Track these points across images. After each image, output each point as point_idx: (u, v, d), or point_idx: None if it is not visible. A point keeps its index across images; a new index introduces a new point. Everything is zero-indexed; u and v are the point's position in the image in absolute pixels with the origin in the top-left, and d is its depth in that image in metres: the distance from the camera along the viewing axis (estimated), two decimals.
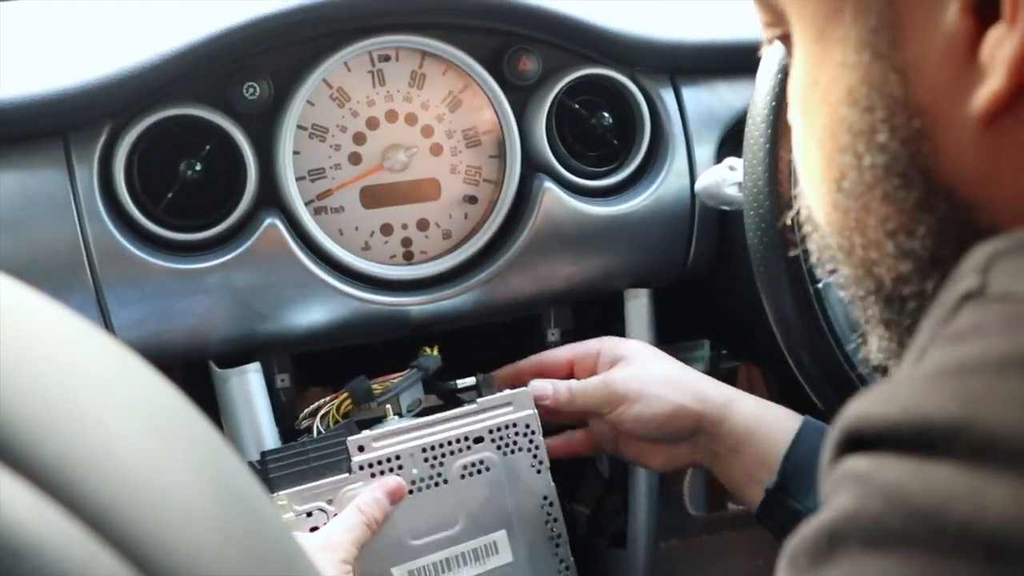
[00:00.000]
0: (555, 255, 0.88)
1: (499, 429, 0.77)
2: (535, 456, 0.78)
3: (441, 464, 0.76)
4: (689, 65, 0.92)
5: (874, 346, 0.41)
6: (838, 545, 0.28)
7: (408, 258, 0.88)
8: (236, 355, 0.83)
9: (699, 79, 0.93)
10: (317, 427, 0.80)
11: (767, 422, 0.76)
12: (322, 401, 0.81)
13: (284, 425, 0.85)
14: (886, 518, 0.27)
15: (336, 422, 0.80)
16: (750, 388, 1.31)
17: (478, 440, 0.77)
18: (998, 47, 0.31)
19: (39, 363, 0.28)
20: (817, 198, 0.39)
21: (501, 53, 0.86)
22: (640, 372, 0.79)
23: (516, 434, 0.78)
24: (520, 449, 0.78)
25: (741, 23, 0.92)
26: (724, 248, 0.93)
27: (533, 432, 0.78)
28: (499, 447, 0.77)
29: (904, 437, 0.27)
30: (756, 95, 0.70)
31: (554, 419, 0.84)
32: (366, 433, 0.76)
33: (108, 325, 0.77)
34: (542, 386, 0.81)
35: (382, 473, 0.74)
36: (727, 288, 0.97)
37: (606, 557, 0.97)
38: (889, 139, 0.34)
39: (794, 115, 0.40)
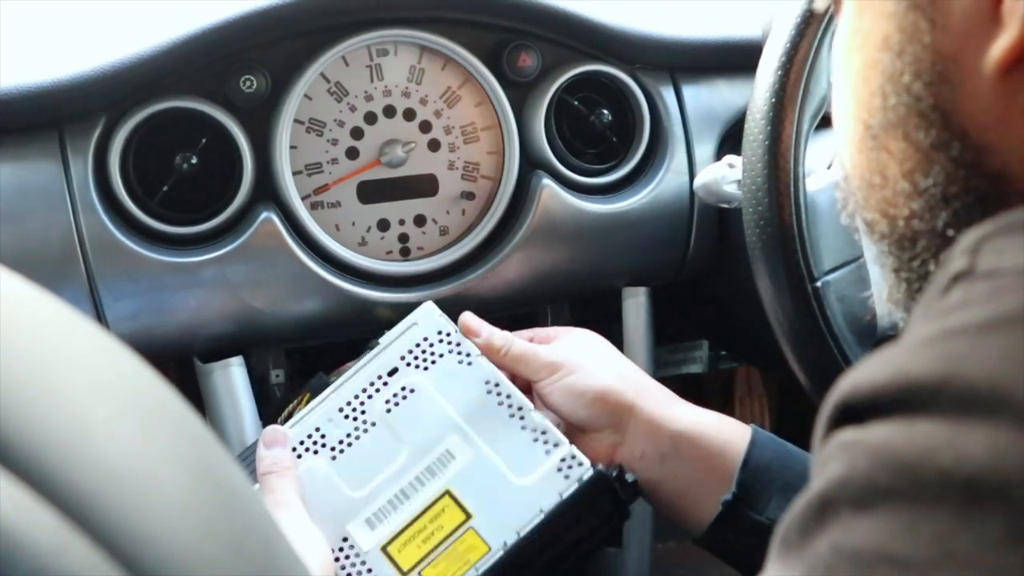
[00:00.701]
0: (553, 252, 0.87)
1: (411, 351, 0.71)
2: (460, 353, 0.71)
3: (363, 413, 0.69)
4: (689, 63, 0.92)
5: (887, 296, 0.43)
6: (829, 512, 0.29)
7: (405, 254, 0.87)
8: (230, 349, 0.83)
9: (699, 77, 0.92)
10: None
11: (716, 427, 0.69)
12: (290, 407, 0.80)
13: (278, 420, 0.84)
14: (873, 476, 0.28)
15: None
16: (749, 390, 1.31)
17: (392, 372, 0.70)
18: (1017, 1, 0.33)
19: (16, 347, 0.28)
20: (846, 143, 0.42)
21: (500, 49, 0.86)
22: (585, 349, 0.73)
23: (431, 345, 0.71)
24: (440, 355, 0.70)
25: (742, 21, 0.91)
26: (723, 247, 0.93)
27: (449, 335, 0.71)
28: (417, 366, 0.70)
29: (891, 399, 0.29)
30: (756, 92, 0.69)
31: None
32: (284, 427, 0.71)
33: (102, 318, 0.77)
34: (475, 321, 0.73)
35: (309, 450, 0.68)
36: (726, 288, 0.96)
37: (601, 557, 0.97)
38: (913, 81, 0.37)
39: (836, 64, 0.43)
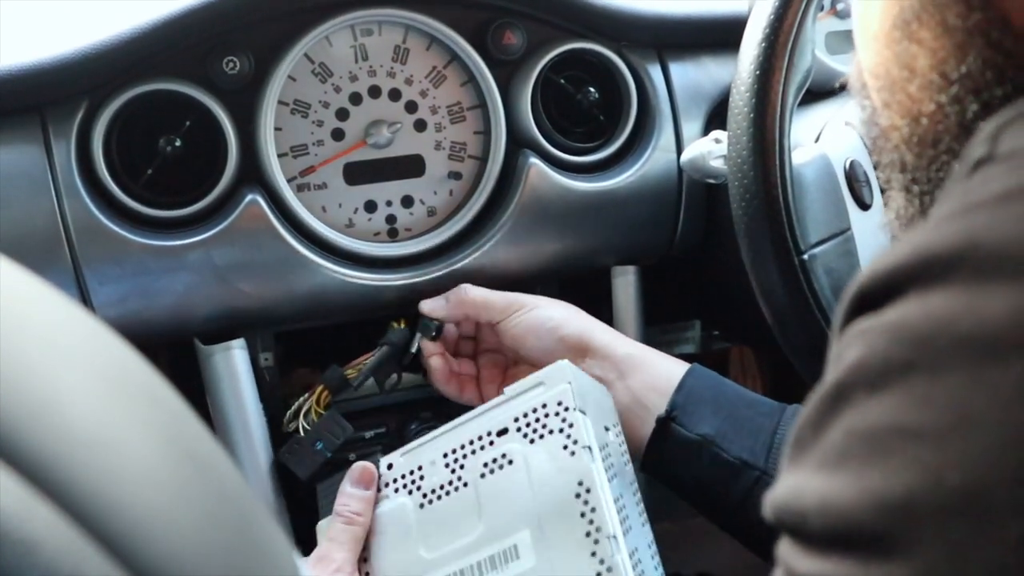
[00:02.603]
0: (541, 232, 0.87)
1: (526, 415, 0.64)
2: (568, 436, 0.62)
3: (462, 467, 0.65)
4: (676, 39, 0.91)
5: (894, 215, 0.43)
6: (843, 400, 0.28)
7: (393, 235, 0.87)
8: (219, 333, 0.82)
9: (686, 54, 0.92)
10: (303, 426, 0.80)
11: (660, 359, 0.75)
12: (301, 400, 0.81)
13: (268, 404, 0.84)
14: (889, 354, 0.27)
15: (319, 415, 0.81)
16: (742, 369, 1.30)
17: (502, 432, 0.65)
18: None
19: None
20: (869, 39, 0.41)
21: (485, 27, 0.85)
22: (544, 299, 0.80)
23: (546, 415, 0.63)
24: (550, 431, 0.63)
25: None
26: (713, 225, 0.92)
27: (566, 409, 0.63)
28: (525, 435, 0.64)
29: (909, 276, 0.28)
30: (740, 65, 0.69)
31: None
32: (397, 451, 0.70)
33: (88, 303, 0.77)
34: (438, 300, 0.81)
35: (405, 488, 0.67)
36: (716, 266, 0.96)
37: None
38: None
39: None
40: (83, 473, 0.26)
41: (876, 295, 0.30)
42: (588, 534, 0.59)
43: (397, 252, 0.85)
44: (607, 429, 0.67)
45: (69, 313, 0.32)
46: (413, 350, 0.83)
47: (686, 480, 0.70)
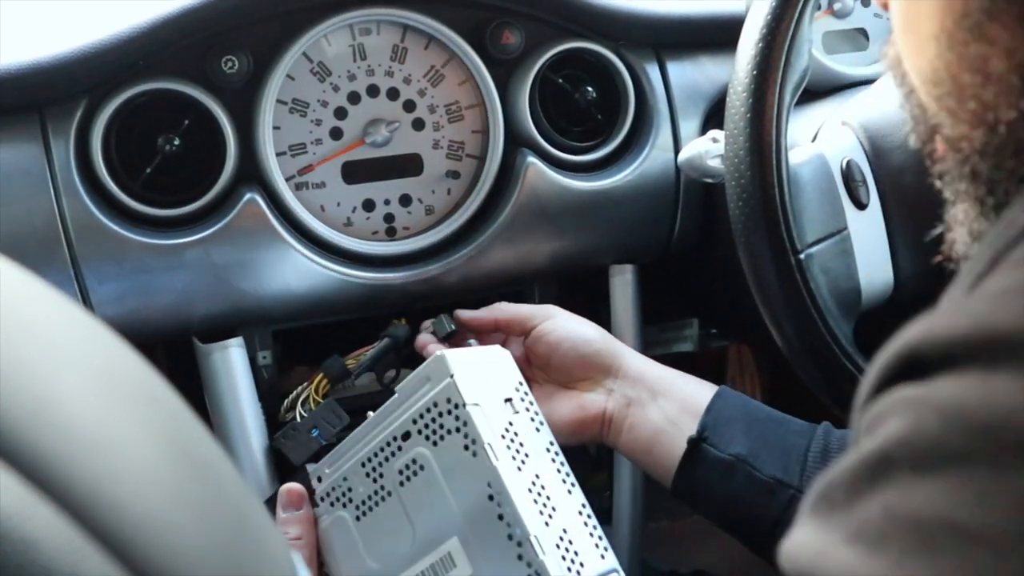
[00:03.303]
0: (539, 230, 0.87)
1: (422, 416, 0.61)
2: (466, 437, 0.59)
3: (381, 476, 0.63)
4: (674, 39, 0.91)
5: (961, 234, 0.38)
6: (884, 472, 0.26)
7: (391, 234, 0.87)
8: (218, 331, 0.82)
9: (684, 53, 0.92)
10: (300, 413, 0.80)
11: (687, 382, 0.74)
12: (300, 388, 0.81)
13: (266, 402, 0.84)
14: (944, 437, 0.25)
15: (317, 404, 0.81)
16: (740, 368, 1.30)
17: (406, 436, 0.62)
18: None
19: None
20: (923, 46, 0.36)
21: (483, 27, 0.85)
22: (568, 315, 0.78)
23: (439, 415, 0.60)
24: (448, 431, 0.60)
25: None
26: (710, 224, 0.92)
27: (456, 406, 0.60)
28: (427, 437, 0.61)
29: (967, 352, 0.26)
30: (737, 65, 0.69)
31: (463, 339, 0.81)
32: (322, 462, 0.68)
33: (86, 301, 0.77)
34: (425, 340, 0.80)
35: (339, 501, 0.66)
36: (714, 265, 0.96)
37: None
38: None
39: None
40: (83, 472, 0.26)
41: (926, 362, 0.27)
42: (510, 536, 0.57)
43: (395, 251, 0.85)
44: (508, 400, 0.63)
45: (68, 312, 0.32)
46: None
47: (719, 501, 0.68)
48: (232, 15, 0.79)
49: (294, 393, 0.82)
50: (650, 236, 0.92)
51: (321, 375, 0.81)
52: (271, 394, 0.85)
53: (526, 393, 0.65)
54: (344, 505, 0.65)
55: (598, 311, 0.96)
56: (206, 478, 0.31)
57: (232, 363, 0.82)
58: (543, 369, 0.76)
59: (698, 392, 0.72)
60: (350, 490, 0.65)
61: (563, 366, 0.75)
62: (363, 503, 0.64)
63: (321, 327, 0.90)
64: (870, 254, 0.72)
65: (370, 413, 0.66)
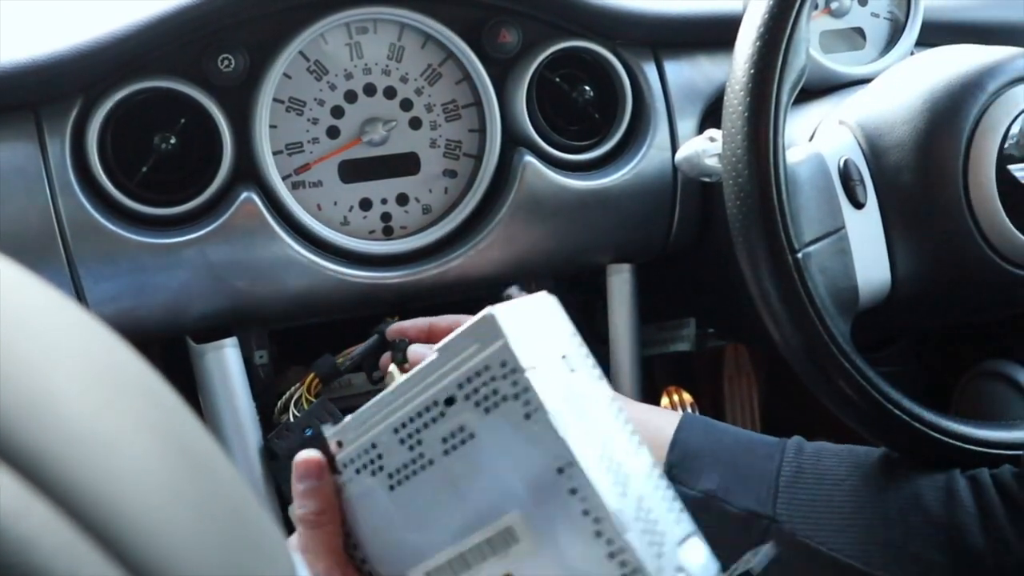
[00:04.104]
0: (536, 229, 0.87)
1: (470, 380, 0.54)
2: (525, 403, 0.52)
3: (419, 443, 0.57)
4: (671, 38, 0.91)
5: None
6: None
7: (388, 233, 0.87)
8: (214, 331, 0.82)
9: (681, 53, 0.92)
10: (293, 413, 0.80)
11: (647, 417, 0.71)
12: (292, 389, 0.81)
13: (262, 402, 0.84)
14: None
15: (309, 403, 0.81)
16: (737, 367, 1.30)
17: (450, 402, 0.55)
18: None
19: None
20: None
21: (480, 25, 0.85)
22: None
23: (492, 379, 0.53)
24: (503, 398, 0.53)
25: None
26: (708, 223, 0.93)
27: (514, 371, 0.52)
28: (477, 403, 0.54)
29: None
30: (735, 64, 0.69)
31: None
32: (343, 425, 0.60)
33: (82, 300, 0.77)
34: (420, 351, 0.75)
35: (366, 468, 0.58)
36: (711, 264, 0.96)
37: None
38: None
39: None
40: (79, 470, 0.26)
41: None
42: (585, 512, 0.51)
43: (392, 250, 0.85)
44: (564, 357, 0.55)
45: (64, 309, 0.32)
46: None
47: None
48: (228, 13, 0.79)
49: (287, 394, 0.82)
50: (647, 235, 0.92)
51: (312, 375, 0.81)
52: (267, 394, 0.85)
53: (580, 344, 0.56)
54: (373, 473, 0.58)
55: (595, 310, 0.96)
56: (204, 476, 0.31)
57: (227, 363, 0.82)
58: None
59: (660, 427, 0.70)
60: (380, 457, 0.58)
61: None
62: (397, 471, 0.57)
63: (318, 327, 0.90)
64: (867, 253, 0.72)
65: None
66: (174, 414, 0.32)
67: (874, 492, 0.65)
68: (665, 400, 1.30)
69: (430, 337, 0.79)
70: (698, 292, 1.06)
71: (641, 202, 0.89)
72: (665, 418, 0.71)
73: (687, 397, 1.29)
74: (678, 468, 0.68)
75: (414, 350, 0.77)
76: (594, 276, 0.95)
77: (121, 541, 0.25)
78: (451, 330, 0.72)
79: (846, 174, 0.72)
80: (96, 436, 0.27)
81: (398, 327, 0.81)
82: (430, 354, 0.56)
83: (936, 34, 0.93)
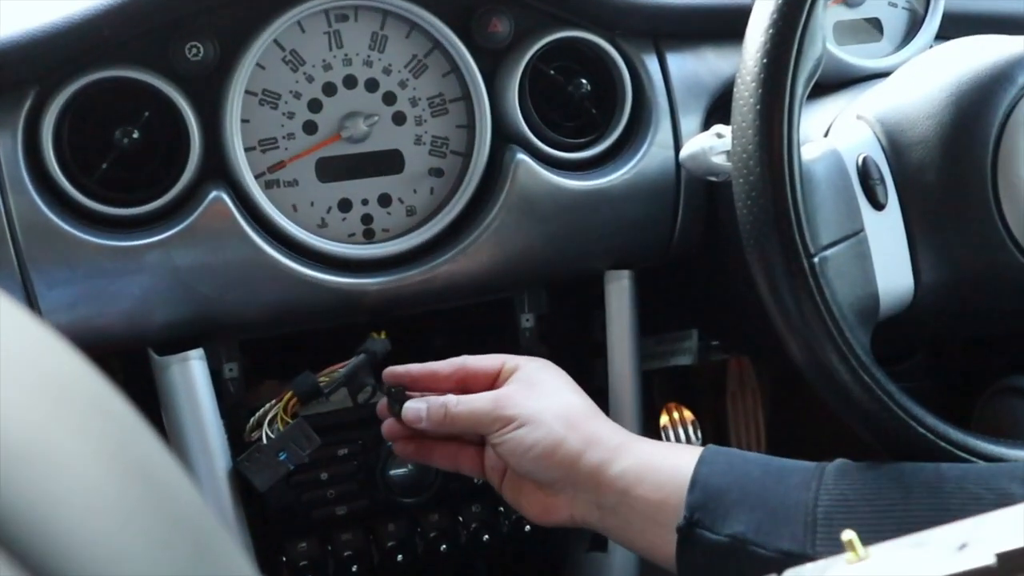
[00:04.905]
0: (528, 233, 0.85)
1: None
2: None
3: None
4: (674, 29, 0.90)
5: None
6: None
7: (368, 236, 0.86)
8: (179, 342, 0.80)
9: (685, 44, 0.91)
10: (267, 434, 0.78)
11: (663, 456, 0.69)
12: (267, 407, 0.79)
13: (231, 421, 0.83)
14: None
15: (285, 424, 0.79)
16: (741, 383, 1.29)
17: None
18: None
19: None
20: None
21: (469, 13, 0.84)
22: (537, 396, 0.73)
23: None
24: None
25: None
26: (713, 226, 0.91)
27: None
28: None
29: None
30: (746, 52, 0.67)
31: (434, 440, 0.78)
32: None
33: (35, 308, 0.74)
34: (415, 408, 0.75)
35: None
36: (716, 271, 0.95)
37: (586, 562, 0.95)
38: None
39: None
40: (14, 491, 0.24)
41: None
42: None
43: (373, 254, 0.84)
44: None
45: (11, 315, 0.30)
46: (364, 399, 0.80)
47: None
48: None
49: (261, 411, 0.80)
50: (648, 239, 0.91)
51: (290, 393, 0.79)
52: (237, 411, 0.83)
53: None
54: None
55: (593, 320, 0.95)
56: (162, 500, 0.29)
57: (193, 377, 0.80)
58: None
59: (677, 465, 0.68)
60: None
61: (518, 472, 0.73)
62: None
63: (293, 338, 0.88)
64: (888, 258, 0.71)
65: None
66: (131, 432, 0.30)
67: (931, 517, 0.63)
68: (664, 418, 1.29)
69: (460, 383, 0.77)
70: (701, 301, 1.05)
71: (642, 203, 0.88)
72: (681, 455, 0.69)
73: (688, 414, 1.29)
74: (701, 511, 0.64)
75: (410, 408, 0.75)
76: (591, 283, 0.93)
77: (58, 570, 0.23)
78: (488, 372, 0.76)
79: (865, 172, 0.71)
80: (36, 453, 0.25)
81: (393, 372, 0.78)
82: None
83: (957, 26, 0.92)
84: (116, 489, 0.27)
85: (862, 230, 0.70)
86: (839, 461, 0.66)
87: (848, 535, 0.46)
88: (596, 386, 0.90)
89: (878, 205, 0.71)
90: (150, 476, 0.30)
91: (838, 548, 0.62)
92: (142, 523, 0.27)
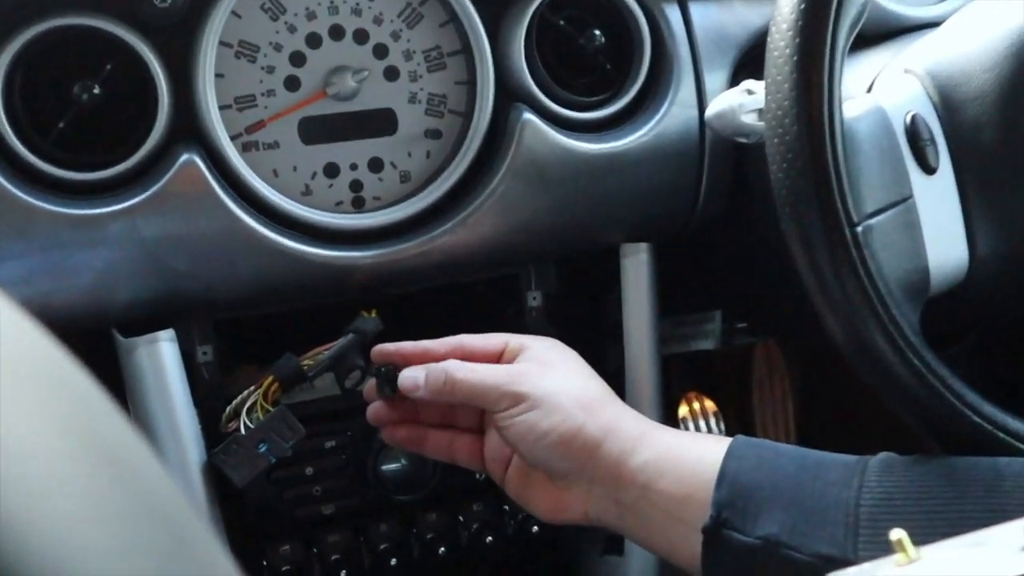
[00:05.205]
0: (536, 201, 0.85)
1: None
2: None
3: None
4: None
5: None
6: None
7: (358, 205, 0.86)
8: (146, 322, 0.80)
9: None
10: (245, 423, 0.78)
11: (688, 448, 0.68)
12: (245, 394, 0.79)
13: (206, 409, 0.82)
14: None
15: (265, 412, 0.78)
16: (769, 369, 1.29)
17: None
18: None
19: None
20: None
21: None
22: (555, 378, 0.72)
23: None
24: None
25: None
26: (741, 194, 0.91)
27: None
28: None
29: None
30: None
31: (430, 418, 0.78)
32: None
33: None
34: (411, 376, 0.74)
35: None
36: (744, 244, 0.95)
37: (600, 567, 0.95)
38: None
39: None
40: None
41: None
42: None
43: (363, 224, 0.84)
44: None
45: None
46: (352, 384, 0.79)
47: None
48: None
49: (238, 399, 0.80)
50: (669, 208, 0.91)
51: (271, 378, 0.79)
52: (211, 399, 0.83)
53: None
54: None
55: (608, 299, 0.95)
56: (132, 489, 0.28)
57: (162, 361, 0.80)
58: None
59: (702, 457, 0.67)
60: None
61: (528, 459, 0.72)
62: None
63: (273, 318, 0.88)
64: (940, 227, 0.70)
65: None
66: (97, 413, 0.30)
67: (987, 519, 0.62)
68: (684, 408, 1.30)
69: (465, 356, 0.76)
70: (726, 278, 1.05)
71: (662, 169, 0.88)
72: (708, 446, 0.68)
73: (710, 405, 1.29)
74: (729, 509, 0.64)
75: (407, 375, 0.75)
76: (605, 258, 0.93)
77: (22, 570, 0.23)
78: (489, 352, 0.75)
79: (914, 132, 0.71)
80: None
81: (382, 350, 0.77)
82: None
83: None
84: (81, 477, 0.27)
85: (910, 196, 0.70)
86: (883, 455, 0.65)
87: (898, 533, 0.45)
88: (609, 371, 0.90)
89: (928, 168, 0.71)
90: (120, 463, 0.29)
91: (882, 552, 0.62)
92: (112, 515, 0.26)
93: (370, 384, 0.78)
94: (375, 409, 0.78)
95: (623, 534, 0.73)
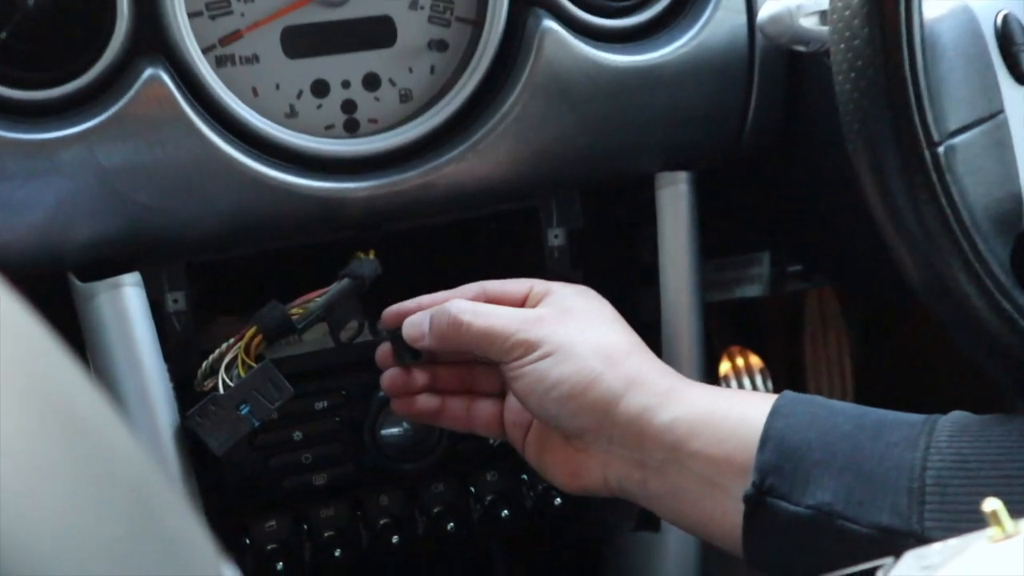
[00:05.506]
0: (558, 123, 0.85)
1: None
2: None
3: None
4: None
5: None
6: None
7: (351, 128, 0.86)
8: (107, 265, 0.80)
9: None
10: (224, 381, 0.79)
11: (726, 405, 0.68)
12: (223, 347, 0.80)
13: (178, 365, 0.83)
14: None
15: (247, 369, 0.79)
16: (823, 321, 1.29)
17: None
18: None
19: None
20: None
21: None
22: (576, 325, 0.73)
23: None
24: None
25: None
26: (797, 114, 0.91)
27: None
28: None
29: None
30: None
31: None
32: None
33: None
34: (416, 322, 0.76)
35: None
36: (799, 172, 0.95)
37: (633, 545, 0.96)
38: None
39: None
40: None
41: None
42: None
43: (357, 150, 0.84)
44: None
45: None
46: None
47: (810, 571, 0.62)
48: None
49: (216, 353, 0.81)
50: (712, 131, 0.91)
51: (254, 329, 0.80)
52: (185, 354, 0.84)
53: None
54: None
55: (639, 237, 0.95)
56: (90, 450, 0.28)
57: (126, 309, 0.80)
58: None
59: (745, 416, 0.67)
60: None
61: (539, 415, 0.73)
62: None
63: (255, 261, 0.88)
64: None
65: None
66: (50, 364, 0.30)
67: None
68: (725, 365, 1.30)
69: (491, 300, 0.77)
70: (778, 213, 1.05)
71: (704, 85, 0.88)
72: (750, 403, 0.68)
73: (755, 360, 1.29)
74: (775, 475, 0.64)
75: (411, 322, 0.77)
76: (638, 189, 0.93)
77: None
78: (513, 299, 0.77)
79: (1006, 36, 0.70)
80: None
81: (397, 312, 0.78)
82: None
83: None
84: (28, 436, 0.26)
85: (1001, 111, 0.69)
86: (955, 413, 0.65)
87: (992, 504, 0.44)
88: (644, 321, 0.91)
89: (1022, 78, 0.70)
90: (75, 420, 0.29)
91: (952, 523, 0.62)
92: (67, 480, 0.26)
93: (383, 348, 0.79)
94: (391, 377, 0.79)
95: (646, 505, 0.72)
